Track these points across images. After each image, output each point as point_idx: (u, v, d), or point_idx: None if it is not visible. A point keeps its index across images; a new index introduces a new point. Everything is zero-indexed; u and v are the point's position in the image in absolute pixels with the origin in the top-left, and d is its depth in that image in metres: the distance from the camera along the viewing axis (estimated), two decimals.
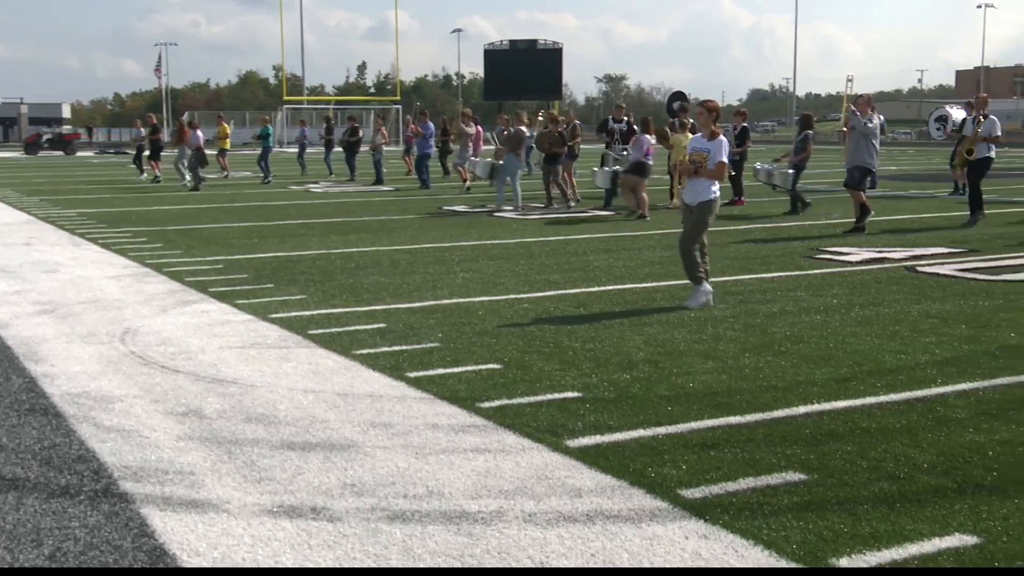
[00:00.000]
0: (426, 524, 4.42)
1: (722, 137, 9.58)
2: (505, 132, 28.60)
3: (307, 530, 4.36)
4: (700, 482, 4.88)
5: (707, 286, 9.53)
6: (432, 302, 9.79)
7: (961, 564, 4.00)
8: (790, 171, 19.20)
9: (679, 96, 27.95)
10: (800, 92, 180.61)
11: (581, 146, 23.56)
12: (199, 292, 10.40)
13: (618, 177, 20.39)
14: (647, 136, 19.23)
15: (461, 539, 4.26)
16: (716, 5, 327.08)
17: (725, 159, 9.49)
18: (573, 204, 21.20)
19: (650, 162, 19.18)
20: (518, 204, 20.53)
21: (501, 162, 21.53)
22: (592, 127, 40.89)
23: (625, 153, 21.22)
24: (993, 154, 16.74)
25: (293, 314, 9.16)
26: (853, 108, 15.76)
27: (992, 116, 16.63)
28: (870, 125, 15.47)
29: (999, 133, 16.66)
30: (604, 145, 23.57)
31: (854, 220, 15.84)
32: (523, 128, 21.42)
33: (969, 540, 4.21)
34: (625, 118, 22.86)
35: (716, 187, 9.55)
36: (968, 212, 16.81)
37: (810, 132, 19.72)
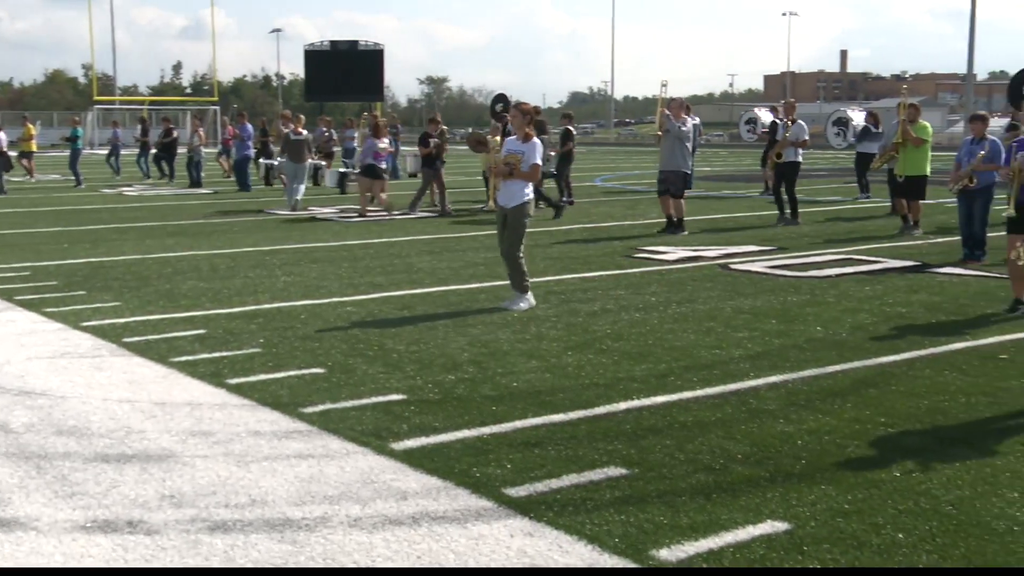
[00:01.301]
0: (248, 533, 4.33)
1: (536, 140, 9.69)
2: (326, 133, 28.35)
3: (123, 545, 4.21)
4: (525, 480, 4.94)
5: (530, 296, 9.62)
6: (253, 307, 9.60)
7: (772, 550, 4.17)
8: (553, 171, 19.74)
9: (501, 98, 28.14)
10: (618, 95, 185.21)
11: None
12: (4, 300, 9.92)
13: (346, 179, 20.82)
14: (375, 140, 19.45)
15: (285, 547, 4.19)
16: (534, 9, 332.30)
17: (539, 161, 9.62)
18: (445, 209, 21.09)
19: (382, 164, 19.45)
20: (290, 204, 20.52)
21: (278, 162, 21.56)
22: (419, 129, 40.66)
23: None
24: (800, 158, 17.48)
25: (107, 322, 8.83)
26: (667, 112, 16.20)
27: (800, 121, 17.38)
28: (684, 129, 15.97)
29: (806, 138, 17.44)
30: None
31: (665, 221, 16.28)
32: (290, 131, 21.36)
33: (780, 526, 4.39)
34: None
35: (529, 189, 9.66)
36: (777, 212, 17.51)
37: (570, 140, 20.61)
